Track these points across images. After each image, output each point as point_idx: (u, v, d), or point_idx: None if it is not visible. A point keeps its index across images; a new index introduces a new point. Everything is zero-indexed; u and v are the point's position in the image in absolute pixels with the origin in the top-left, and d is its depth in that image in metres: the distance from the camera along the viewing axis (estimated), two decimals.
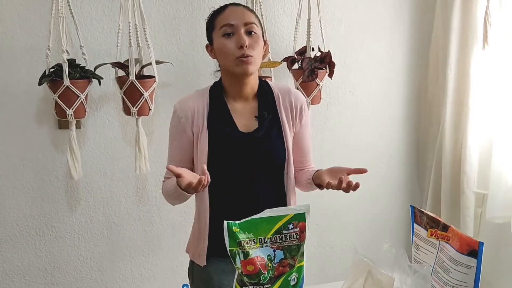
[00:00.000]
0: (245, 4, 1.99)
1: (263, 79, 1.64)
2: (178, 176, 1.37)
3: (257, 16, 1.56)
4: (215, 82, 1.61)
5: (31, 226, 2.25)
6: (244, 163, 1.53)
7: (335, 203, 2.64)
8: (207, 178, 1.36)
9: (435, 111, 2.68)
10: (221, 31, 1.49)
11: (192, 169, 1.60)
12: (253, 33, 1.49)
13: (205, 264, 1.59)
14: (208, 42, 1.58)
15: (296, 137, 1.63)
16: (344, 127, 2.66)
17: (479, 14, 2.36)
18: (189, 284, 1.66)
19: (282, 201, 1.59)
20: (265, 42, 1.57)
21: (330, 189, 1.46)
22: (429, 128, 2.75)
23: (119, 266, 2.40)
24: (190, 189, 1.38)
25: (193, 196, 1.63)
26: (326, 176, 1.50)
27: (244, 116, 1.56)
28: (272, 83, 1.64)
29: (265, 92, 1.58)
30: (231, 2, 1.58)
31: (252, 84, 1.56)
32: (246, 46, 1.46)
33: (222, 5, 1.56)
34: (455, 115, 2.52)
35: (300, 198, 1.66)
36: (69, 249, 2.32)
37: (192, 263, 1.66)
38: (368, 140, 2.72)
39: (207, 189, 1.54)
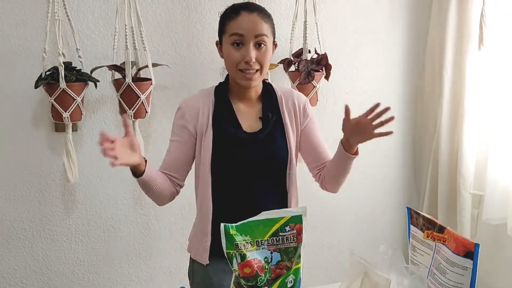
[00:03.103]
0: None
1: (265, 81, 1.65)
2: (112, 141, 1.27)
3: (270, 21, 1.52)
4: (220, 83, 1.62)
5: (28, 229, 2.25)
6: (247, 162, 1.54)
7: (332, 205, 2.64)
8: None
9: (431, 112, 2.69)
10: (231, 39, 1.48)
11: (187, 171, 1.61)
12: (262, 45, 1.48)
13: (208, 262, 1.58)
14: (218, 40, 1.56)
15: (306, 133, 1.64)
16: (341, 129, 2.65)
17: (474, 15, 2.37)
18: (188, 285, 1.67)
19: (283, 201, 1.60)
20: (275, 45, 1.57)
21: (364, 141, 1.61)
22: (425, 130, 2.76)
23: (116, 268, 2.40)
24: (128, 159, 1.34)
25: (194, 195, 1.64)
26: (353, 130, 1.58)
27: (248, 116, 1.57)
28: (275, 85, 1.66)
29: (269, 94, 1.61)
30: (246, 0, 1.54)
31: (256, 87, 1.58)
32: (252, 62, 1.46)
33: (237, 3, 1.52)
34: (451, 116, 2.53)
35: (299, 199, 1.66)
36: (66, 252, 2.31)
37: (192, 263, 1.66)
38: (365, 142, 2.72)
39: (209, 187, 1.55)
